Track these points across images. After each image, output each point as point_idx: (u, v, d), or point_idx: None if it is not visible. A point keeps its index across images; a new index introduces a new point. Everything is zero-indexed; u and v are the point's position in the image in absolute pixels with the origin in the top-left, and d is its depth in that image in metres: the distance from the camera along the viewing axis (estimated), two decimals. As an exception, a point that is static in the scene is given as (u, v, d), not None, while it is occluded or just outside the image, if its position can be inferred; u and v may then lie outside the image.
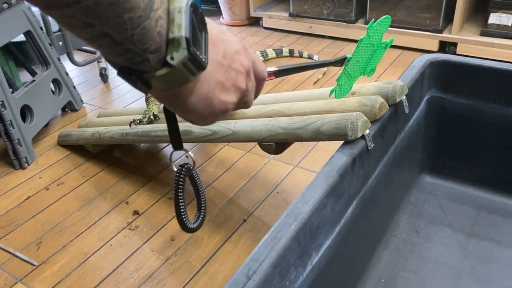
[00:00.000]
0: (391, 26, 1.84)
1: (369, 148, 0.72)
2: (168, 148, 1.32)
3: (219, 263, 0.90)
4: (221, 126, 0.91)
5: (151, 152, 1.31)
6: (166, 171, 1.22)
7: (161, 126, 1.03)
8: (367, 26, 0.65)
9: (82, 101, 1.62)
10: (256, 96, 0.45)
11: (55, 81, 1.49)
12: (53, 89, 1.51)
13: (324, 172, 0.65)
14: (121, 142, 1.15)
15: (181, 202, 0.43)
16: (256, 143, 0.88)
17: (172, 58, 0.31)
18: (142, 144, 1.34)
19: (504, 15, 1.65)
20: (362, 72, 0.69)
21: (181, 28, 0.31)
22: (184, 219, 0.43)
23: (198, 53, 0.33)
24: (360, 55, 0.67)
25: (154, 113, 1.09)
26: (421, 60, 0.97)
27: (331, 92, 0.68)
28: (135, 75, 0.32)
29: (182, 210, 0.43)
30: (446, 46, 1.79)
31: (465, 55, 1.70)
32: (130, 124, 1.09)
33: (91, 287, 0.88)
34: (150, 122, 1.09)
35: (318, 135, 0.74)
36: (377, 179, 0.80)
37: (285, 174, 1.18)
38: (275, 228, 0.55)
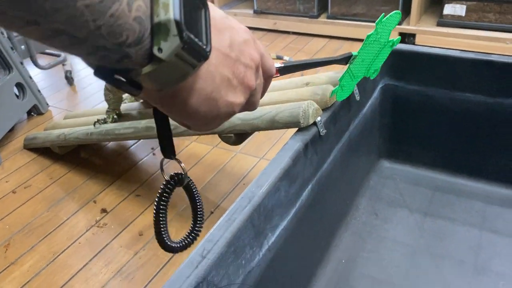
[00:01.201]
0: (352, 20, 1.90)
1: (321, 134, 0.76)
2: (135, 148, 1.33)
3: (187, 254, 0.92)
4: (183, 120, 0.94)
5: (118, 151, 1.32)
6: (133, 169, 1.23)
7: (125, 124, 1.04)
8: (375, 22, 0.61)
9: (47, 104, 1.61)
10: (262, 95, 0.38)
11: (19, 85, 1.48)
12: (17, 93, 1.50)
13: (278, 157, 0.68)
14: (87, 142, 1.16)
15: (162, 216, 0.35)
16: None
17: (160, 50, 0.24)
18: (109, 144, 1.35)
19: (458, 5, 1.72)
20: (366, 72, 0.65)
21: (169, 8, 0.24)
22: (164, 236, 0.35)
23: (196, 39, 0.25)
24: (366, 53, 0.63)
25: (117, 112, 1.11)
26: (373, 50, 1.01)
27: (333, 92, 0.63)
28: (116, 75, 0.25)
29: (162, 226, 0.35)
30: (405, 37, 1.85)
31: (423, 45, 1.76)
32: (94, 124, 1.10)
33: (60, 284, 0.89)
34: (114, 121, 1.10)
35: (273, 124, 0.77)
36: (333, 164, 0.84)
37: (252, 166, 1.21)
38: (230, 211, 0.58)
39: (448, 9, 1.74)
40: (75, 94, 1.73)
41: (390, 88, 1.04)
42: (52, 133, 1.26)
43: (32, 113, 1.58)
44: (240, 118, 0.82)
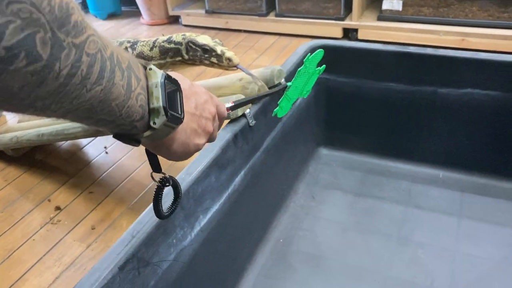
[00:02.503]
0: (299, 17, 1.99)
1: (251, 124, 0.83)
2: (88, 147, 1.38)
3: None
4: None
5: (72, 151, 1.36)
6: (86, 167, 1.28)
7: (75, 124, 1.09)
8: (304, 59, 0.74)
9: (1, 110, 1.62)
10: (218, 130, 0.57)
11: (-30, 91, 1.50)
12: (-31, 99, 1.51)
13: (208, 147, 0.75)
14: (39, 143, 1.20)
15: (160, 196, 0.52)
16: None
17: (154, 123, 0.40)
18: (63, 145, 1.39)
19: (395, 0, 1.83)
20: (300, 94, 0.79)
21: (159, 100, 0.40)
22: (160, 208, 0.53)
23: (175, 113, 0.41)
24: (298, 82, 0.76)
25: None
26: (304, 46, 1.09)
27: (274, 113, 0.77)
28: (127, 137, 0.41)
29: (159, 200, 0.53)
30: (349, 33, 1.95)
31: (365, 39, 1.87)
32: None
33: (15, 278, 0.94)
34: None
35: (207, 118, 0.84)
36: (266, 152, 0.91)
37: (201, 160, 1.28)
38: (160, 196, 0.65)
39: (387, 4, 1.85)
40: (29, 98, 1.75)
41: (322, 81, 1.13)
42: (4, 137, 1.29)
43: (-15, 119, 1.60)
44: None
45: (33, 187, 1.22)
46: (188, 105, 0.46)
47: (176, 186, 0.55)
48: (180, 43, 0.89)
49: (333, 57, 1.11)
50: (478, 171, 1.06)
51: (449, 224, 0.96)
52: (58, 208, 1.12)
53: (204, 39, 0.87)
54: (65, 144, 1.39)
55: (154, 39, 0.94)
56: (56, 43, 0.27)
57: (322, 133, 1.19)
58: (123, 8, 2.66)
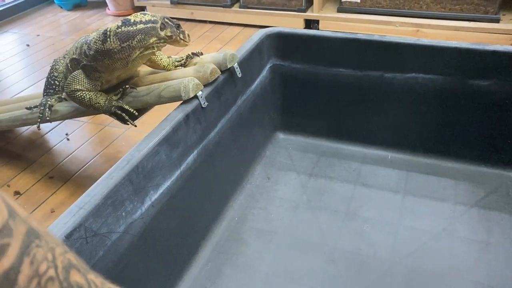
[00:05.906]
0: (263, 9, 2.03)
1: (203, 106, 0.87)
2: (49, 134, 1.38)
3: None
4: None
5: (32, 139, 1.36)
6: (47, 153, 1.29)
7: (27, 111, 1.09)
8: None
9: (-39, 98, 1.61)
10: None
11: None
12: None
13: (159, 126, 0.78)
14: (-2, 130, 1.20)
15: None
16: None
17: None
18: (24, 132, 1.39)
19: (354, -7, 1.89)
20: None
21: None
22: None
23: None
24: None
25: (50, 103, 1.05)
26: (259, 33, 1.13)
27: None
28: None
29: None
30: (310, 24, 2.00)
31: (326, 30, 1.92)
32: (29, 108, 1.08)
33: (-27, 261, 0.95)
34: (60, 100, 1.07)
35: (160, 99, 0.87)
36: (221, 134, 0.95)
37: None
38: (109, 171, 0.68)
39: (346, -4, 1.91)
40: (-10, 88, 1.73)
41: (278, 67, 1.17)
42: (-37, 125, 1.28)
43: None
44: (132, 96, 0.91)
45: (-8, 174, 1.22)
46: None
47: None
48: (155, 21, 0.86)
49: (287, 45, 1.16)
50: (423, 152, 1.13)
51: (394, 200, 1.02)
52: (17, 193, 1.13)
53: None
54: (26, 131, 1.39)
55: (101, 30, 0.86)
56: None
57: (279, 118, 1.23)
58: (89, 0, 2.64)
